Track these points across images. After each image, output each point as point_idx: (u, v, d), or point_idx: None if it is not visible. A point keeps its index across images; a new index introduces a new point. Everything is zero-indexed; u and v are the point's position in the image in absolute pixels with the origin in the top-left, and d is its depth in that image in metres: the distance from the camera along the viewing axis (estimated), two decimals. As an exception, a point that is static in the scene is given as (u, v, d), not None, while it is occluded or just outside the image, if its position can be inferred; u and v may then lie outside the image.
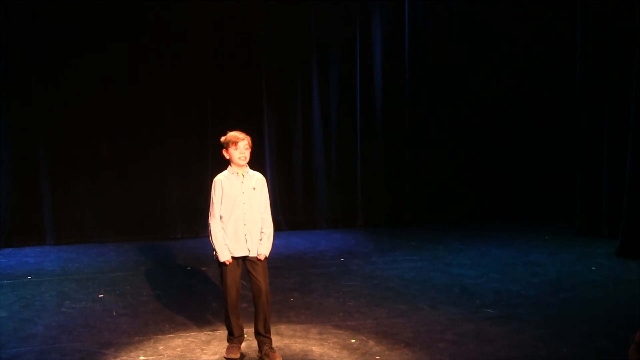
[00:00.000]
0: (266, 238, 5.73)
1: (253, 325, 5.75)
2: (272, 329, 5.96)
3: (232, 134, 5.75)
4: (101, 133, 10.23)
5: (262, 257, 5.70)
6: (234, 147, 5.69)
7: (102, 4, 10.01)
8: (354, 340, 6.07)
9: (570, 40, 10.73)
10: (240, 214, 5.66)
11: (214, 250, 5.69)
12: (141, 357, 5.76)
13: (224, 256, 5.65)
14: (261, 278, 5.68)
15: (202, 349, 5.91)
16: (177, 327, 6.47)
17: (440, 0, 11.35)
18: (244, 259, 5.71)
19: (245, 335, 5.90)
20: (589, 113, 10.09)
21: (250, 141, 5.77)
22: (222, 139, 5.78)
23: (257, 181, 5.78)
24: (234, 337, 5.78)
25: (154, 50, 10.29)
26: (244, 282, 5.93)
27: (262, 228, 5.73)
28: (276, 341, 5.90)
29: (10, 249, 9.69)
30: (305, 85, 11.03)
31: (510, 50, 11.49)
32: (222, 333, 6.02)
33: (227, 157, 5.75)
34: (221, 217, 5.68)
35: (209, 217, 5.73)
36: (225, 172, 5.79)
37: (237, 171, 5.74)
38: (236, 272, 5.72)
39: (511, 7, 11.36)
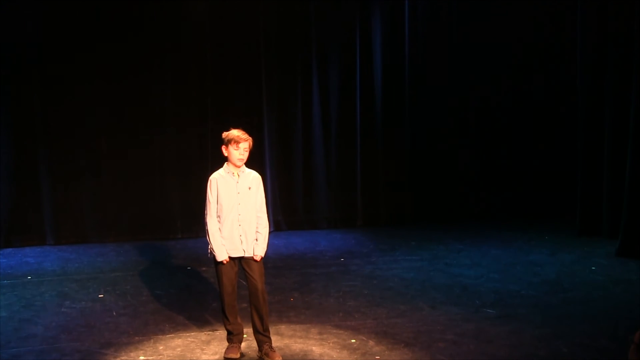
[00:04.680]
0: (262, 238, 5.71)
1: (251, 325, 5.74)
2: (272, 329, 5.96)
3: (236, 133, 5.65)
4: (101, 132, 10.22)
5: (257, 258, 5.67)
6: (234, 146, 5.61)
7: (102, 4, 10.01)
8: (354, 340, 6.06)
9: (571, 41, 10.73)
10: (235, 215, 5.63)
11: (211, 248, 5.69)
12: (141, 357, 5.76)
13: (221, 255, 5.64)
14: (257, 276, 5.66)
15: (202, 349, 5.91)
16: (177, 327, 6.47)
17: (440, 0, 11.35)
18: (240, 258, 5.69)
19: (245, 335, 5.90)
20: (589, 113, 10.08)
21: (251, 143, 5.69)
22: (224, 134, 5.69)
23: (253, 180, 5.73)
24: (233, 337, 5.77)
25: (154, 49, 10.29)
26: (242, 281, 5.92)
27: (257, 228, 5.71)
28: (276, 341, 5.89)
29: (10, 249, 9.68)
30: (305, 85, 11.02)
31: (510, 50, 11.48)
32: (222, 333, 6.01)
33: (226, 154, 5.69)
34: (218, 217, 5.67)
35: (205, 216, 5.70)
36: (221, 171, 5.73)
37: (233, 171, 5.69)
38: (232, 271, 5.71)
39: (511, 7, 11.36)
